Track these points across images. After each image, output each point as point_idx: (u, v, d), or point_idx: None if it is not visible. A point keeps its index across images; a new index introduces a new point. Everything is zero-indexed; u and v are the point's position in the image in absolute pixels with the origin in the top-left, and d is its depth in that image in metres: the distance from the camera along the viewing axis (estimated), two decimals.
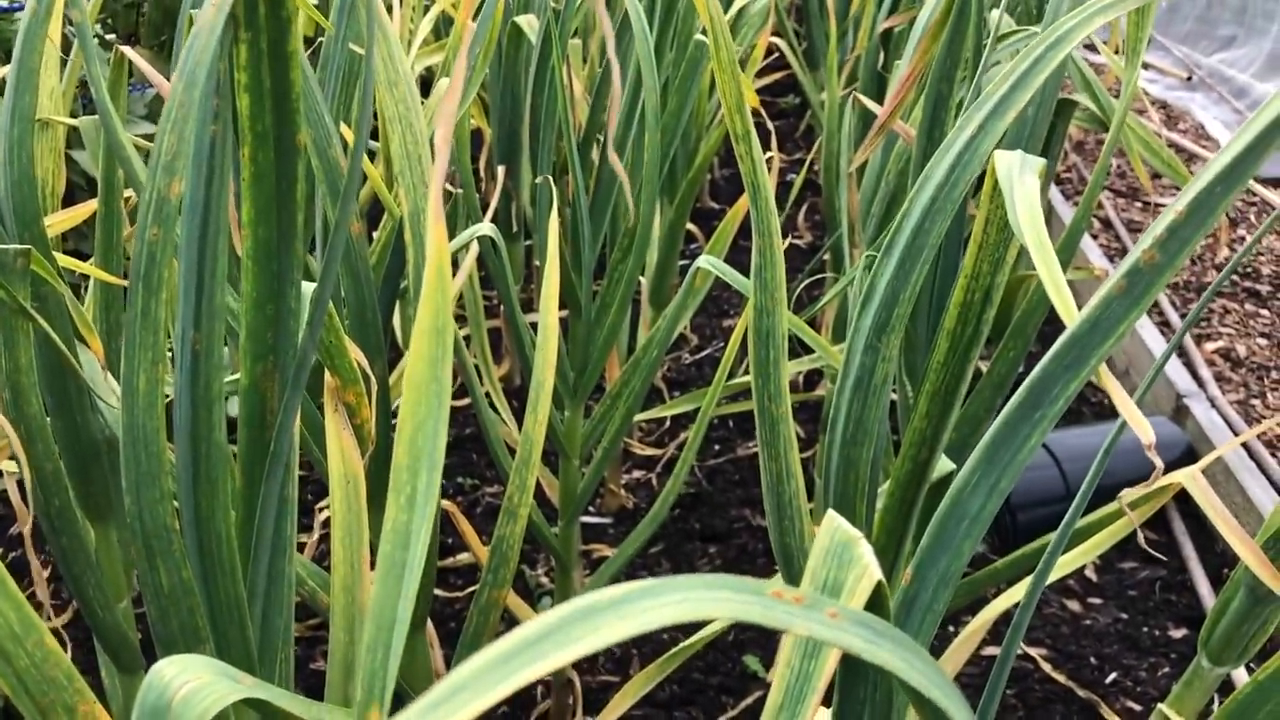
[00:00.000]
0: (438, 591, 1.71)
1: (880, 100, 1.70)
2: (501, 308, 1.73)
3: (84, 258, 1.11)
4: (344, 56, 1.08)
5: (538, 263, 1.36)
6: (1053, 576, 0.85)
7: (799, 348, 1.94)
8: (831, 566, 0.43)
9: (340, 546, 0.83)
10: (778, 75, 3.35)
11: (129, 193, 1.13)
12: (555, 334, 1.05)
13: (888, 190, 1.34)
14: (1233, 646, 0.81)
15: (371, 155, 1.49)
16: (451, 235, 1.39)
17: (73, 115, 1.22)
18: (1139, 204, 3.08)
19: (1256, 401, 2.22)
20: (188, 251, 0.60)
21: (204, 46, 0.54)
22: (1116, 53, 2.05)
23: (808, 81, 3.02)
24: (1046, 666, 1.58)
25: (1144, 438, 0.47)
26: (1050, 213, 2.77)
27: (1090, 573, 1.79)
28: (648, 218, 1.40)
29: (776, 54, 3.46)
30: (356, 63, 1.15)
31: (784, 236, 2.76)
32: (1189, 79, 3.97)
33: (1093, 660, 1.61)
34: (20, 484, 1.15)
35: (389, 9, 1.46)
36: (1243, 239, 2.88)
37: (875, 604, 0.42)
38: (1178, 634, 1.66)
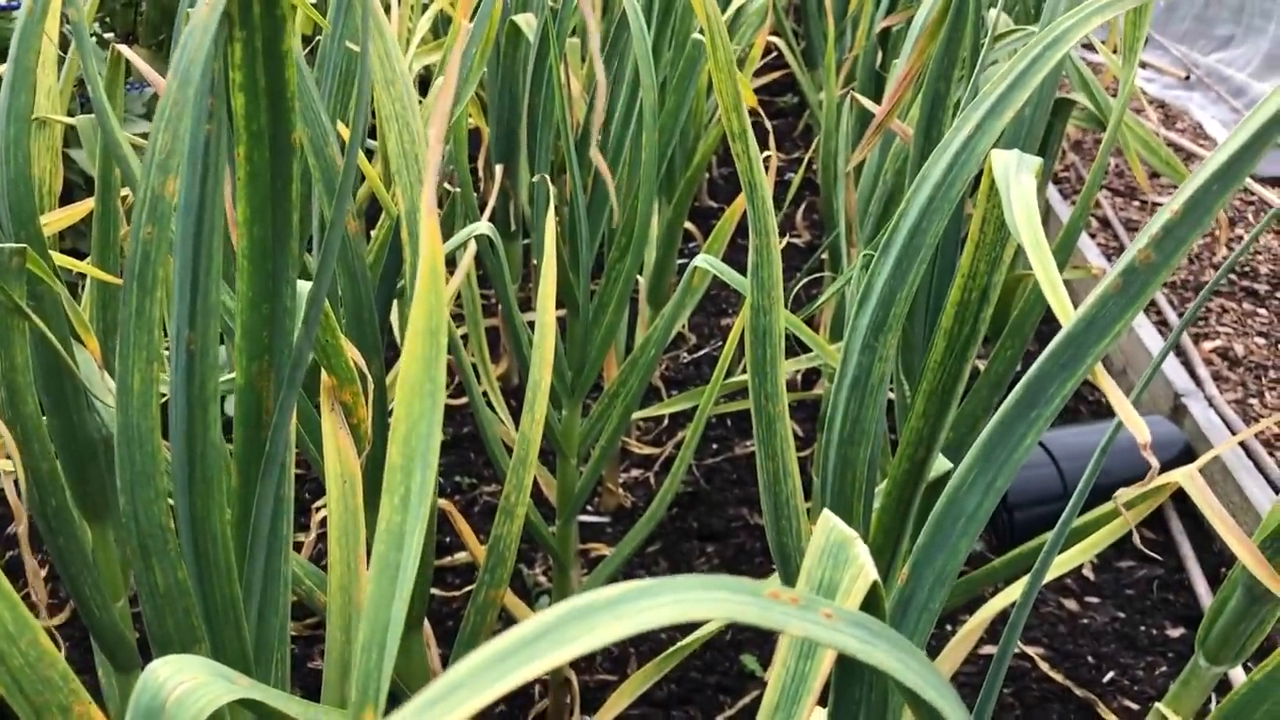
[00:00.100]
0: (435, 591, 1.71)
1: (878, 100, 1.70)
2: (499, 307, 1.73)
3: (82, 257, 1.11)
4: (341, 55, 1.08)
5: (535, 262, 1.36)
6: (1050, 575, 0.85)
7: (797, 346, 1.94)
8: (827, 566, 0.43)
9: (337, 546, 0.83)
10: (776, 74, 3.35)
11: (126, 191, 1.13)
12: (552, 333, 1.05)
13: (885, 189, 1.34)
14: (1230, 646, 0.81)
15: (370, 154, 1.48)
16: (449, 234, 1.39)
17: (70, 114, 1.22)
18: (1137, 203, 3.08)
19: (1254, 401, 2.22)
20: (183, 250, 0.60)
21: (198, 45, 0.54)
22: (1114, 52, 2.05)
23: (806, 81, 3.02)
24: (1044, 665, 1.58)
25: (1139, 437, 0.47)
26: (1048, 212, 2.77)
27: (1088, 572, 1.79)
28: (645, 216, 1.40)
29: (775, 53, 3.46)
30: (353, 61, 1.15)
31: (782, 235, 2.76)
32: (1187, 78, 3.97)
33: (1090, 659, 1.61)
34: (16, 483, 1.15)
35: (386, 8, 1.46)
36: (1241, 238, 2.88)
37: (871, 604, 0.42)
38: (1175, 633, 1.67)
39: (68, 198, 1.20)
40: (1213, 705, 1.45)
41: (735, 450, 2.07)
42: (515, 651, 0.29)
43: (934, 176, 0.70)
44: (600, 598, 0.31)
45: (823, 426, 0.76)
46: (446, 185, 1.77)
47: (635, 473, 2.03)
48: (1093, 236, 2.85)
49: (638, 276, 1.79)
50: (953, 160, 0.69)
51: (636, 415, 1.79)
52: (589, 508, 1.93)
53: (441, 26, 1.98)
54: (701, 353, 2.39)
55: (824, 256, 2.25)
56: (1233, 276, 2.71)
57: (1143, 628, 1.67)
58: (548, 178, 1.35)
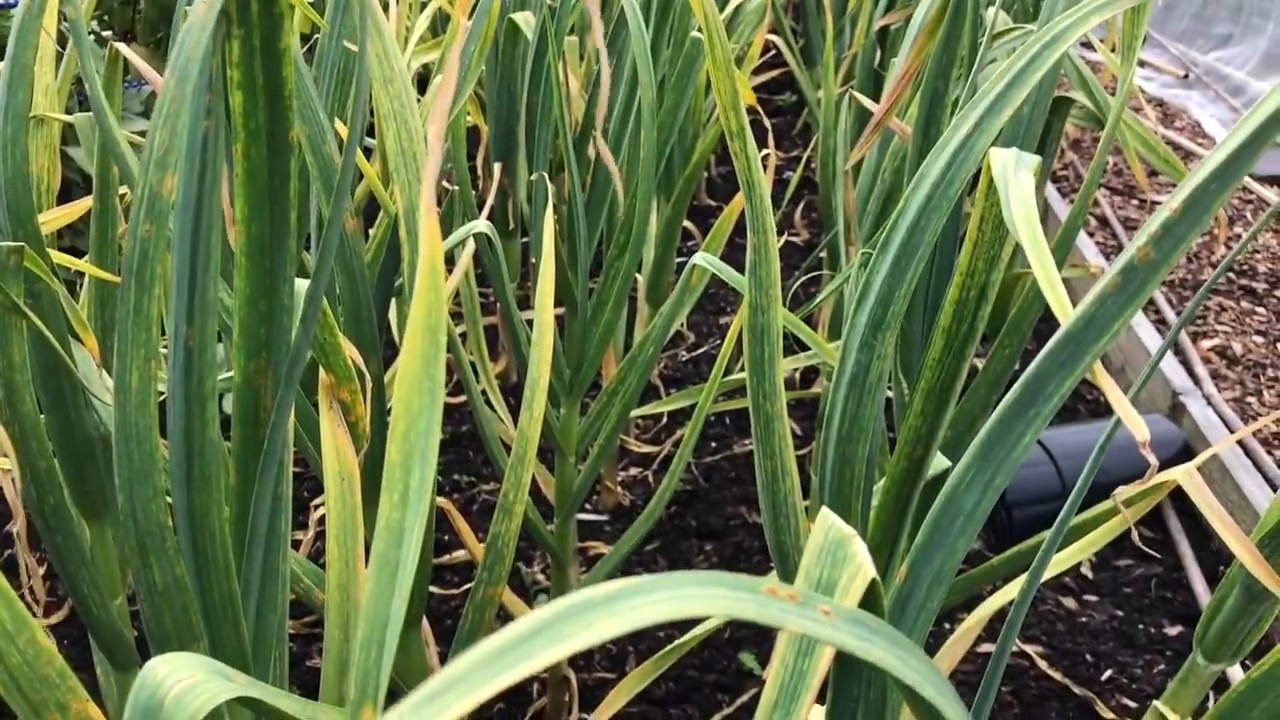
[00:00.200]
0: (433, 589, 1.71)
1: (877, 98, 1.70)
2: (498, 305, 1.73)
3: (80, 255, 1.11)
4: (339, 53, 1.08)
5: (534, 260, 1.36)
6: (1048, 574, 0.85)
7: (795, 345, 1.94)
8: (825, 564, 0.43)
9: (335, 544, 0.83)
10: (774, 73, 3.35)
11: (124, 189, 1.13)
12: (551, 330, 1.04)
13: (884, 188, 1.35)
14: (1228, 644, 0.81)
15: (368, 153, 1.48)
16: (447, 233, 1.39)
17: (68, 112, 1.22)
18: (1135, 201, 3.08)
19: (1253, 399, 2.22)
20: (180, 247, 0.60)
21: (196, 42, 0.54)
22: (1113, 51, 2.05)
23: (804, 79, 3.02)
24: (1042, 664, 1.58)
25: (1138, 435, 0.47)
26: (1046, 210, 2.77)
27: (1086, 570, 1.79)
28: (644, 215, 1.40)
29: (773, 51, 3.45)
30: (351, 60, 1.15)
31: (780, 234, 2.76)
32: (1185, 77, 3.97)
33: (1088, 657, 1.61)
34: (14, 481, 1.14)
35: (385, 6, 1.46)
36: (1240, 237, 2.89)
37: (869, 602, 0.42)
38: (1173, 631, 1.67)
39: (65, 196, 1.20)
40: (1210, 703, 1.45)
41: (734, 449, 2.08)
42: (513, 648, 0.29)
43: (932, 175, 0.70)
44: (597, 594, 0.31)
45: (821, 425, 0.76)
46: (445, 183, 1.77)
47: (634, 471, 2.03)
48: (1091, 235, 2.85)
49: (636, 275, 1.79)
50: (951, 158, 0.69)
51: (635, 413, 1.79)
52: (587, 506, 1.93)
53: (440, 25, 1.98)
54: (700, 351, 2.39)
55: (822, 255, 2.25)
56: (1231, 275, 2.71)
57: (1141, 626, 1.67)
58: (546, 176, 1.35)
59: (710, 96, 1.98)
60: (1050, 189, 2.97)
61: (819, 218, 2.81)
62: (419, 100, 1.11)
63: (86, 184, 2.02)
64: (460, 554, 1.79)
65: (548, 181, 1.34)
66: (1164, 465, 0.84)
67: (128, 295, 0.59)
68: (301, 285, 0.77)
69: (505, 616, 1.40)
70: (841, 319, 1.73)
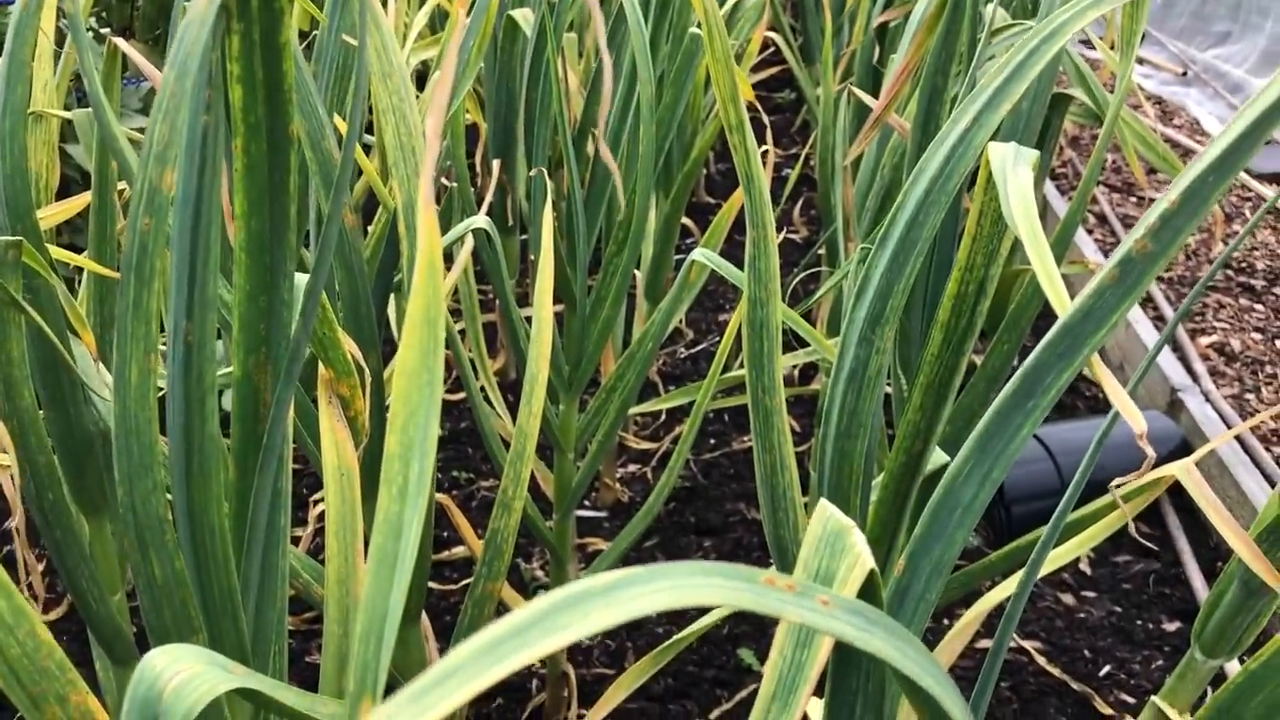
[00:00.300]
0: (433, 585, 1.71)
1: (876, 95, 1.70)
2: (497, 302, 1.72)
3: (79, 252, 1.11)
4: (338, 49, 1.08)
5: (533, 257, 1.36)
6: (1047, 569, 0.85)
7: (794, 341, 1.94)
8: (824, 555, 0.43)
9: (334, 539, 0.83)
10: (774, 70, 3.35)
11: (123, 186, 1.13)
12: (550, 327, 1.05)
13: (883, 184, 1.35)
14: (1226, 639, 0.81)
15: (367, 149, 1.48)
16: (446, 229, 1.39)
17: (67, 109, 1.22)
18: (1134, 199, 3.08)
19: (1251, 396, 2.22)
20: (180, 242, 0.60)
21: (196, 37, 0.54)
22: (1112, 48, 2.05)
23: (803, 76, 3.02)
24: (1041, 660, 1.58)
25: (1136, 427, 0.47)
26: (1045, 208, 2.77)
27: (1085, 566, 1.79)
28: (643, 211, 1.40)
29: (772, 48, 3.45)
30: (350, 56, 1.15)
31: (780, 231, 2.76)
32: (1184, 74, 3.97)
33: (1087, 653, 1.62)
34: (13, 477, 1.14)
35: (383, 2, 1.46)
36: (1238, 234, 2.89)
37: (868, 593, 0.42)
38: (1171, 627, 1.67)
39: (64, 193, 1.20)
40: (1209, 699, 1.45)
41: (733, 445, 2.08)
42: (510, 638, 0.29)
43: (931, 169, 0.70)
44: (595, 585, 0.31)
45: (820, 421, 0.76)
46: (443, 180, 1.77)
47: (633, 468, 2.03)
48: (1090, 232, 2.85)
49: (635, 271, 1.79)
50: (950, 153, 0.69)
51: (634, 411, 1.79)
52: (586, 503, 1.93)
53: (438, 21, 1.98)
54: (699, 348, 2.39)
55: (821, 252, 2.25)
56: (1230, 272, 2.71)
57: (1139, 622, 1.68)
58: (545, 172, 1.35)
59: (709, 93, 1.98)
60: (1049, 186, 2.97)
61: (818, 215, 2.81)
62: (417, 96, 1.11)
63: (85, 181, 2.02)
64: (459, 550, 1.79)
65: (546, 178, 1.34)
66: (1162, 462, 0.84)
67: (127, 289, 0.59)
68: (301, 280, 0.77)
69: (504, 612, 1.40)
70: (840, 316, 1.74)
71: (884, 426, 1.20)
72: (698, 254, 1.15)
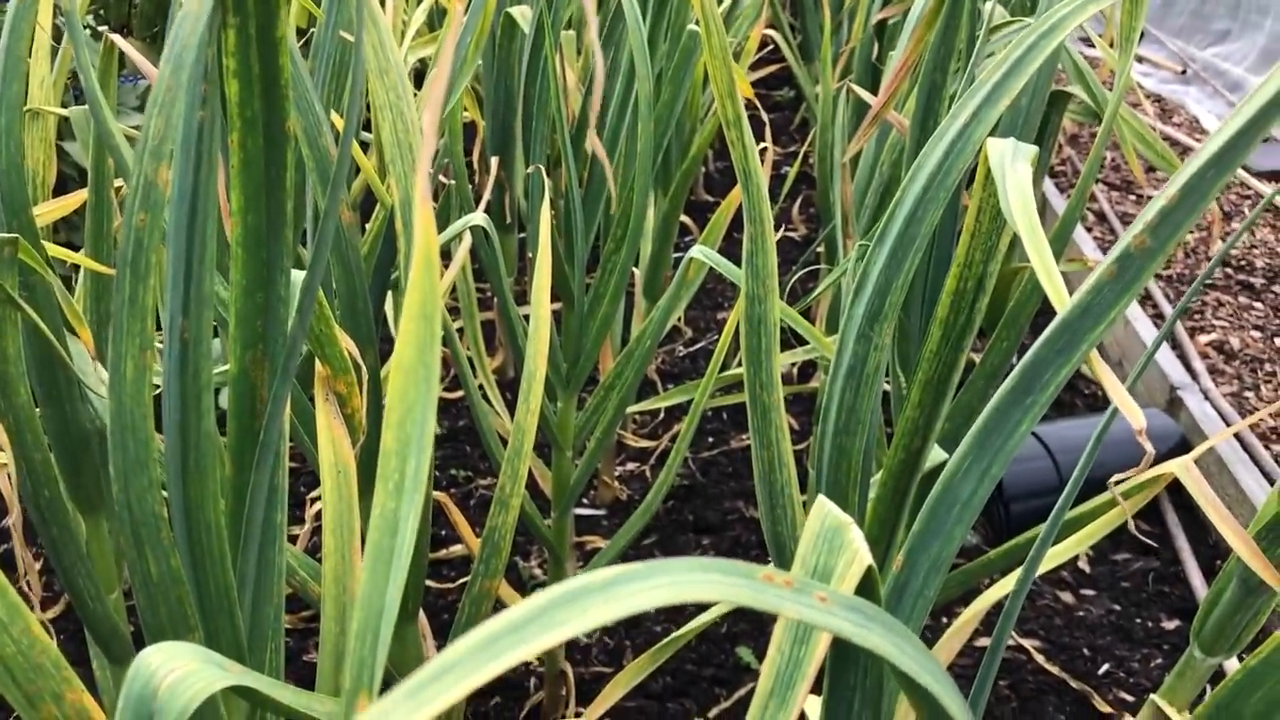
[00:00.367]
0: (431, 583, 1.71)
1: (874, 92, 1.70)
2: (495, 300, 1.72)
3: (77, 250, 1.11)
4: (334, 45, 1.08)
5: (531, 254, 1.36)
6: (1046, 567, 0.85)
7: (793, 340, 1.93)
8: (822, 551, 0.43)
9: (331, 536, 0.82)
10: (772, 68, 3.34)
11: (120, 182, 1.12)
12: (547, 323, 1.04)
13: (881, 181, 1.34)
14: (1225, 637, 0.81)
15: (365, 148, 1.48)
16: (444, 228, 1.38)
17: (64, 107, 1.22)
18: (1133, 197, 3.08)
19: (1250, 394, 2.22)
20: (176, 238, 0.60)
21: (191, 30, 0.54)
22: (1111, 45, 2.05)
23: (802, 74, 3.02)
24: (1040, 658, 1.58)
25: (1135, 423, 0.47)
26: (1044, 205, 2.77)
27: (1083, 564, 1.79)
28: (641, 208, 1.40)
29: (771, 46, 3.45)
30: (348, 52, 1.15)
31: (778, 229, 2.76)
32: (1183, 73, 3.97)
33: (1086, 651, 1.62)
34: (9, 475, 1.14)
35: (381, 0, 1.46)
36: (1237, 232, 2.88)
37: (866, 589, 0.42)
38: (1170, 625, 1.67)
39: (61, 190, 1.19)
40: (1208, 696, 1.45)
41: (731, 444, 2.07)
42: (507, 633, 0.29)
43: (929, 165, 0.70)
44: (593, 580, 0.30)
45: (818, 418, 0.76)
46: (441, 178, 1.76)
47: (631, 466, 2.03)
48: (1089, 230, 2.85)
49: (633, 269, 1.78)
50: (949, 148, 0.69)
51: (632, 409, 1.79)
52: (584, 501, 1.93)
53: (437, 19, 1.98)
54: (697, 346, 2.39)
55: (820, 250, 2.25)
56: (1229, 270, 2.71)
57: (1138, 620, 1.68)
58: (543, 168, 1.35)
59: (708, 90, 1.98)
60: (1048, 184, 2.97)
61: (817, 213, 2.81)
62: (415, 94, 1.11)
63: (82, 178, 2.02)
64: (458, 548, 1.78)
65: (544, 175, 1.33)
66: (1161, 460, 0.84)
67: (123, 285, 0.59)
68: (298, 277, 0.77)
69: (502, 610, 1.40)
70: (839, 313, 1.73)
71: (883, 424, 1.19)
72: (696, 251, 1.15)
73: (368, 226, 1.24)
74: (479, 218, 1.13)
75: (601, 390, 1.44)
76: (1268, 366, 2.32)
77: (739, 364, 1.57)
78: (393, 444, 0.48)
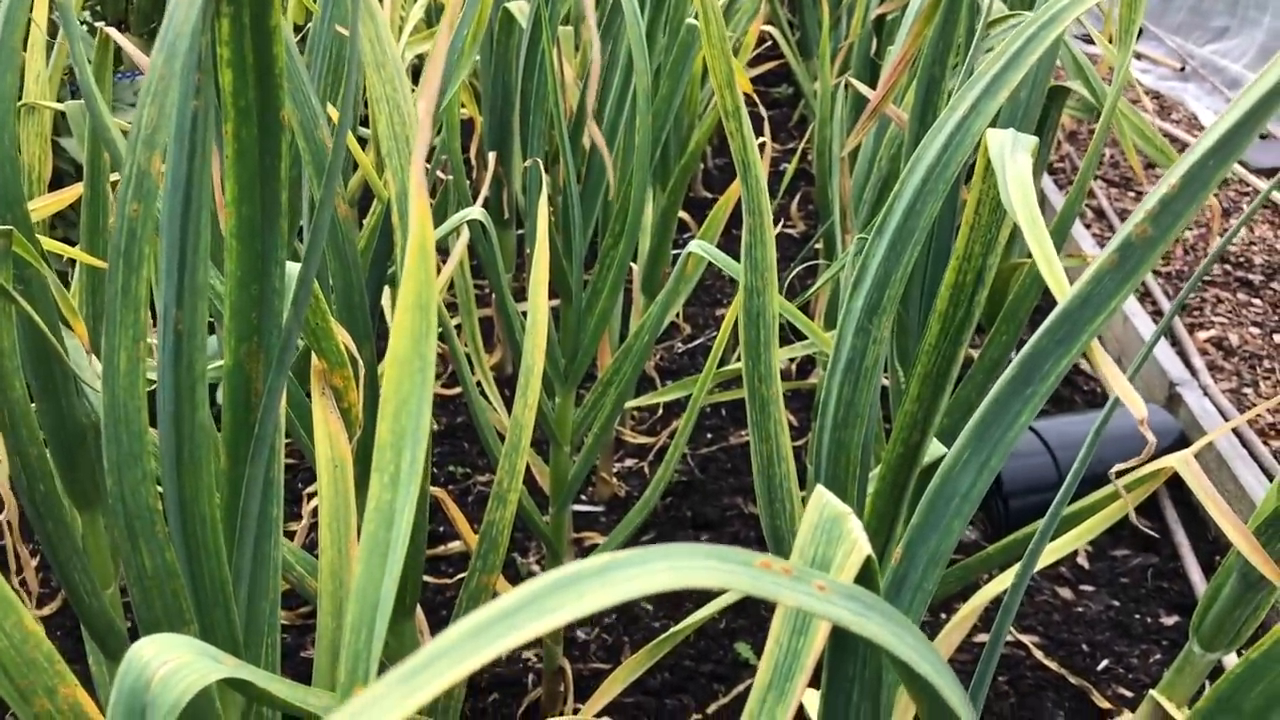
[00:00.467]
0: (428, 579, 1.71)
1: (873, 88, 1.69)
2: (493, 296, 1.72)
3: (73, 246, 1.10)
4: (331, 37, 1.07)
5: (529, 250, 1.35)
6: (1045, 562, 0.85)
7: (792, 335, 1.93)
8: (820, 542, 0.43)
9: (328, 530, 0.82)
10: (771, 65, 3.34)
11: (116, 176, 1.12)
12: (545, 318, 1.04)
13: (880, 176, 1.34)
14: (1224, 632, 0.81)
15: (363, 143, 1.47)
16: (442, 223, 1.38)
17: (60, 102, 1.21)
18: (1132, 194, 3.08)
19: (1249, 390, 2.22)
20: (170, 229, 0.59)
21: (185, 18, 0.53)
22: (1110, 41, 2.05)
23: (801, 70, 3.01)
24: (1038, 654, 1.58)
25: (1136, 413, 0.46)
26: (1043, 201, 2.77)
27: (1082, 560, 1.79)
28: (639, 203, 1.39)
29: (769, 43, 3.44)
30: (344, 46, 1.14)
31: (777, 225, 2.76)
32: (1182, 69, 3.97)
33: (1084, 647, 1.61)
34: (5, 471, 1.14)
35: None
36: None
37: (864, 580, 0.42)
38: (1169, 621, 1.67)
39: (57, 186, 1.19)
40: (1208, 689, 1.45)
41: (730, 440, 2.07)
42: (501, 619, 0.28)
43: (928, 157, 0.70)
44: (589, 566, 0.30)
45: (817, 413, 0.75)
46: (439, 173, 1.76)
47: (629, 462, 2.03)
48: (1087, 226, 2.85)
49: (631, 265, 1.78)
50: (947, 140, 0.69)
51: (631, 405, 1.79)
52: (583, 497, 1.93)
53: (434, 16, 1.97)
54: (696, 343, 2.39)
55: (818, 246, 2.25)
56: (1227, 267, 2.71)
57: (1137, 616, 1.67)
58: (540, 163, 1.34)
59: (706, 85, 1.97)
60: (1046, 180, 2.96)
61: (815, 210, 2.80)
62: (413, 90, 1.10)
63: (78, 174, 2.01)
64: (456, 545, 1.78)
65: (542, 169, 1.33)
66: (1160, 455, 0.84)
67: (115, 276, 0.59)
68: (293, 269, 0.76)
69: None
70: (838, 309, 1.73)
71: (881, 418, 1.19)
72: (694, 246, 1.14)
73: (365, 221, 1.23)
74: (476, 212, 1.13)
75: (600, 386, 1.44)
76: (1266, 363, 2.32)
77: (738, 359, 1.57)
78: (388, 436, 0.48)
